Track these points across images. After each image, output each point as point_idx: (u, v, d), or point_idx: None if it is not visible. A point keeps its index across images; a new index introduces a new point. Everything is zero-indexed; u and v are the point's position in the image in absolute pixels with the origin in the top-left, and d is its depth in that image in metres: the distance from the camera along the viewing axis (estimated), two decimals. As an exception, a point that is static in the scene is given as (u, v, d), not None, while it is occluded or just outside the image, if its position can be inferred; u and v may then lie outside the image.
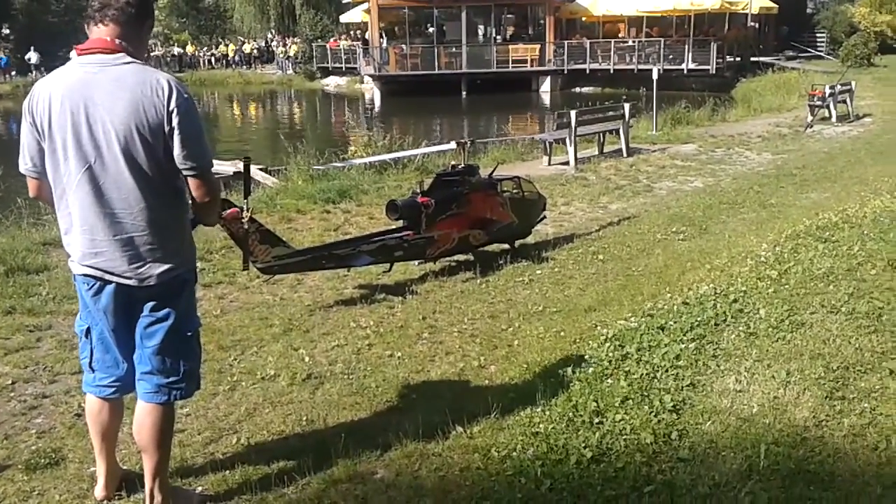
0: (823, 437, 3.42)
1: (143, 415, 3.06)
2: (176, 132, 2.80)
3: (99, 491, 3.26)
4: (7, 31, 48.43)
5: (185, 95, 2.84)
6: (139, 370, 3.04)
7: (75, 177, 2.81)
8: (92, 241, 2.86)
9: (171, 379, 3.05)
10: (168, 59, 47.62)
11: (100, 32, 2.85)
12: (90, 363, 3.10)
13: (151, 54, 48.70)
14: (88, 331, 3.07)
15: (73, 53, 3.00)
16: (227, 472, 3.49)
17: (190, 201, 2.99)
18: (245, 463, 3.57)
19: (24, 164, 2.94)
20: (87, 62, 2.83)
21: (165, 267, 2.92)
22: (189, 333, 3.09)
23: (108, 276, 2.88)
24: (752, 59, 33.57)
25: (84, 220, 2.85)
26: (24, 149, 2.91)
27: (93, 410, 3.18)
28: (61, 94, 2.80)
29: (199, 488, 3.38)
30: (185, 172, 2.87)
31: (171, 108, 2.78)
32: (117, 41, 2.83)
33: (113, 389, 3.13)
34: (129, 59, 2.84)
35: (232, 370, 4.86)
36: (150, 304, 2.96)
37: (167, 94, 2.79)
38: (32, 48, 41.97)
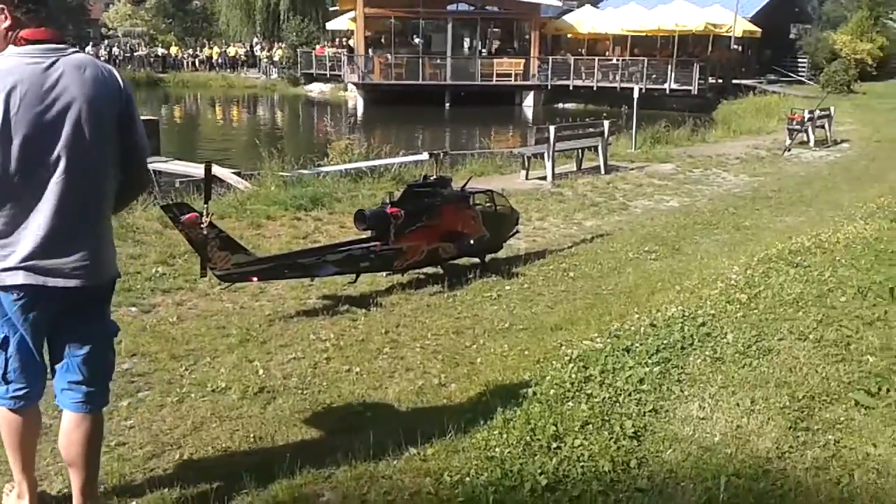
0: (786, 469, 3.31)
1: (72, 427, 2.88)
2: (130, 122, 2.79)
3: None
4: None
5: (129, 86, 2.84)
6: (65, 379, 2.86)
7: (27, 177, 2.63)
8: (35, 244, 2.67)
9: (98, 386, 2.90)
10: (151, 59, 47.18)
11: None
12: (3, 374, 2.85)
13: (135, 54, 48.30)
14: (5, 341, 2.81)
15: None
16: (166, 489, 3.31)
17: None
18: (185, 480, 3.39)
19: None
20: (29, 52, 2.68)
21: (104, 268, 2.81)
22: (115, 339, 3.01)
23: (44, 280, 2.70)
24: (734, 81, 33.78)
25: (32, 222, 2.65)
26: None
27: (10, 423, 2.92)
28: (11, 86, 2.60)
29: (134, 507, 3.21)
30: (135, 162, 2.86)
31: (123, 99, 2.77)
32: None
33: (29, 400, 2.91)
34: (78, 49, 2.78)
35: (182, 381, 4.68)
36: (83, 308, 2.81)
37: (121, 85, 2.77)
38: None
